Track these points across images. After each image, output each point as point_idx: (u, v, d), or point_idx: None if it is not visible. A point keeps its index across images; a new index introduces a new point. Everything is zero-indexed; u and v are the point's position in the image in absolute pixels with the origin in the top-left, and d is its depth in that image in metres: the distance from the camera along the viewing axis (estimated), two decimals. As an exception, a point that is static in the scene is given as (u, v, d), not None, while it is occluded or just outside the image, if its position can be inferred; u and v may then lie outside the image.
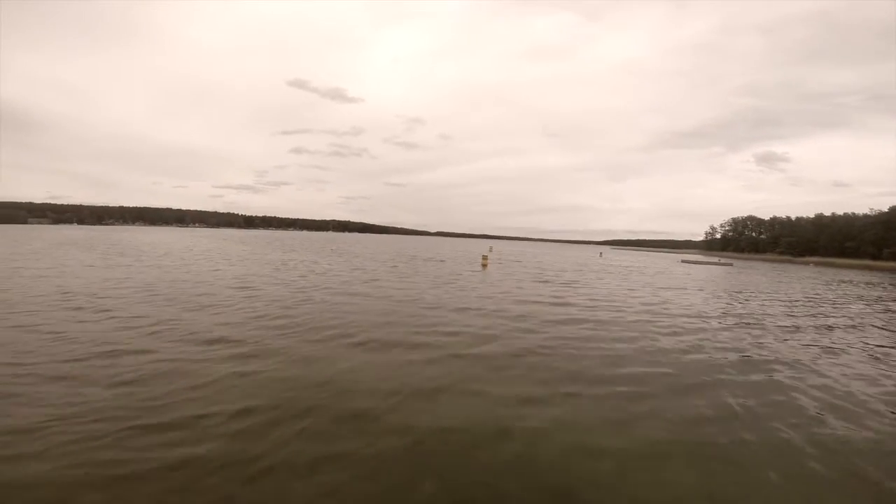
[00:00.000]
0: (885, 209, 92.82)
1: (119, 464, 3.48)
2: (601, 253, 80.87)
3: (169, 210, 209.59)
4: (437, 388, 5.33)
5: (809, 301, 17.26)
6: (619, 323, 10.16)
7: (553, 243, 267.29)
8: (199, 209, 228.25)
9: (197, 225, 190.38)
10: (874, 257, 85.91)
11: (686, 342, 8.49)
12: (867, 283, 31.35)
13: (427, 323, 9.11)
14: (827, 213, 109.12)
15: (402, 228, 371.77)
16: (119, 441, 3.81)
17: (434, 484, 3.42)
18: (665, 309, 12.70)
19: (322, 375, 5.59)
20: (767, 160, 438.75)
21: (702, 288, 20.59)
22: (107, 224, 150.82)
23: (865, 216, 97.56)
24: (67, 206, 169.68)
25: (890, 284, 32.16)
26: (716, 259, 69.76)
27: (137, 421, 4.17)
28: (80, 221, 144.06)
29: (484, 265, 27.77)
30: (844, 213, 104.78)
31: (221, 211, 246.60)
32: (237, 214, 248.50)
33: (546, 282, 19.31)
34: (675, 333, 9.30)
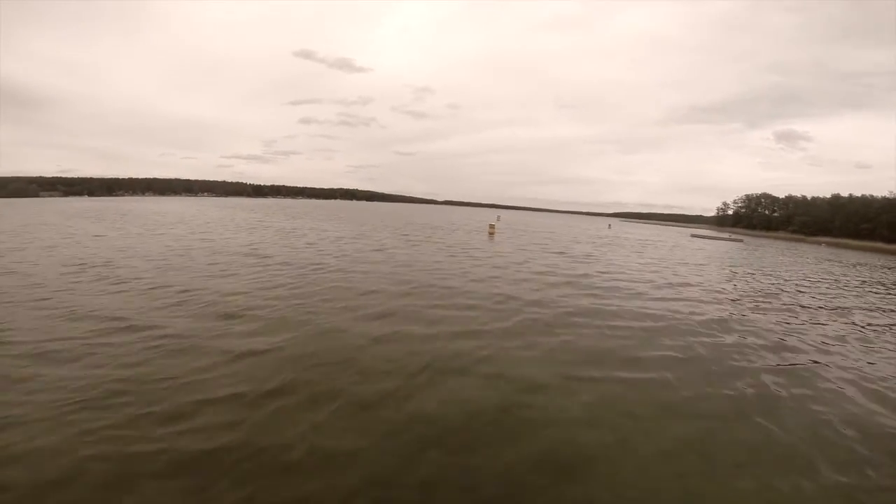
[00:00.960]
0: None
1: (133, 458, 3.31)
2: (609, 225, 79.95)
3: (178, 180, 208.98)
4: (462, 368, 5.11)
5: (831, 282, 16.85)
6: (641, 299, 9.86)
7: (562, 214, 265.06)
8: (209, 179, 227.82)
9: (205, 194, 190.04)
10: (887, 240, 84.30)
11: (712, 324, 8.21)
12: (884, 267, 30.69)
13: (443, 294, 8.87)
14: (844, 194, 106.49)
15: (409, 197, 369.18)
16: (131, 426, 3.63)
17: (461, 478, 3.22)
18: (686, 286, 12.37)
19: (343, 353, 5.38)
20: (788, 138, 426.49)
21: (722, 265, 20.13)
22: (117, 195, 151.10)
23: (884, 198, 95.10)
24: (78, 178, 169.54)
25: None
26: (726, 235, 68.79)
27: (151, 408, 3.95)
28: (91, 193, 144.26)
29: (491, 233, 27.98)
30: (862, 195, 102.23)
31: (230, 180, 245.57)
32: (245, 184, 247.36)
33: (561, 253, 18.97)
34: (698, 313, 9.00)
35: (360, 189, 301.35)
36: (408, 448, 3.51)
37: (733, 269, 18.82)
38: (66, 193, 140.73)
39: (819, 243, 79.76)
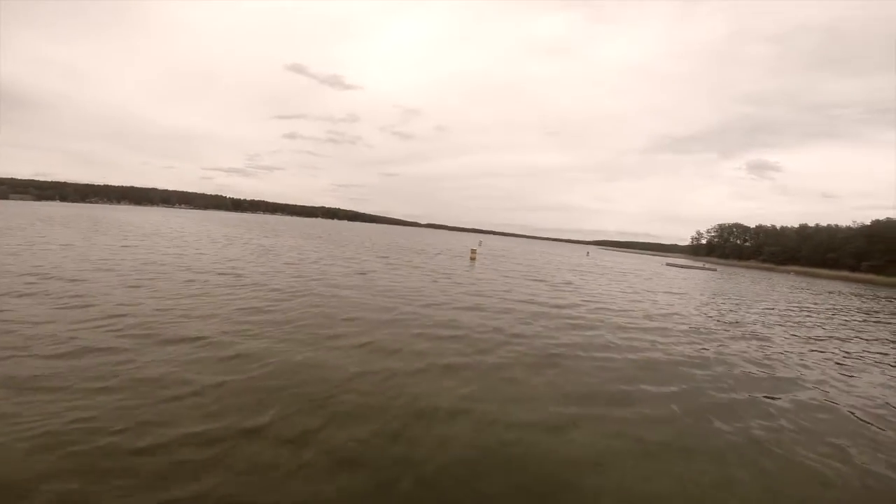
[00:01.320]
0: (869, 222, 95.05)
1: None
2: (588, 252, 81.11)
3: (154, 190, 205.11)
4: (450, 411, 4.69)
5: (804, 310, 17.16)
6: (627, 330, 9.67)
7: (543, 241, 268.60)
8: (188, 190, 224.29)
9: (182, 206, 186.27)
10: (852, 269, 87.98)
11: (697, 354, 8.04)
12: (855, 294, 31.71)
13: (425, 324, 8.46)
14: (811, 223, 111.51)
15: (391, 218, 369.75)
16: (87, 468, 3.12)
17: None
18: (669, 316, 12.30)
19: (318, 389, 4.93)
20: (759, 168, 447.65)
21: (703, 295, 20.35)
22: (90, 202, 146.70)
23: (848, 228, 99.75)
24: (50, 182, 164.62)
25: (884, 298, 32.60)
26: (700, 264, 70.55)
27: (109, 439, 3.48)
28: (63, 199, 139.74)
29: (472, 258, 28.22)
30: (828, 225, 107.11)
31: (209, 193, 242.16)
32: (225, 197, 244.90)
33: (543, 281, 18.85)
34: (683, 345, 8.84)
35: (342, 208, 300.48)
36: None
37: (715, 300, 19.02)
38: (39, 198, 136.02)
39: (788, 272, 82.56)
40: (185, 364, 5.28)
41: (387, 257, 23.59)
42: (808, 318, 15.32)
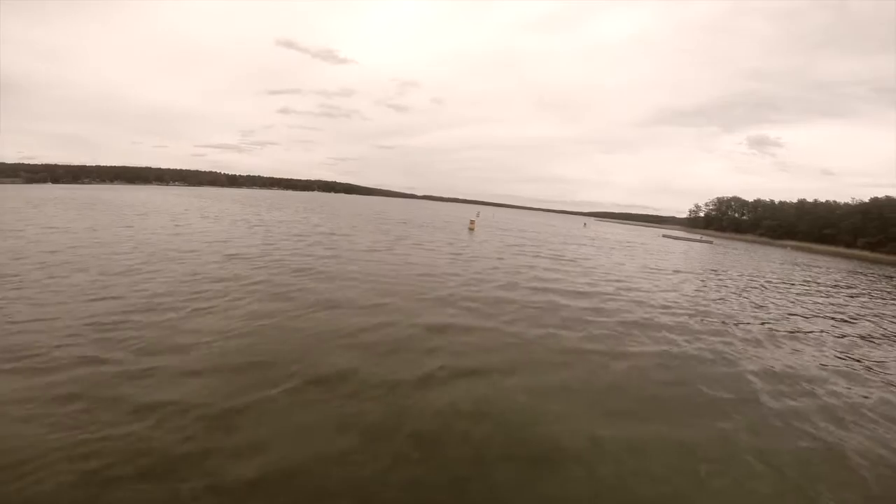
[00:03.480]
0: (867, 199, 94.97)
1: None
2: (585, 223, 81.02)
3: (148, 169, 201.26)
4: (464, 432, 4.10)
5: (823, 291, 17.41)
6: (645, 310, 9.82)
7: (541, 212, 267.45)
8: (180, 168, 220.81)
9: (177, 183, 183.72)
10: (848, 245, 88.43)
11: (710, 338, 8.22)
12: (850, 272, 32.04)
13: (432, 313, 7.82)
14: (810, 199, 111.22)
15: (388, 191, 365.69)
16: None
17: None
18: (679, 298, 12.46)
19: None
20: (760, 143, 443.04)
21: (715, 270, 20.47)
22: (83, 183, 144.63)
23: (846, 205, 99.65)
24: (41, 165, 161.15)
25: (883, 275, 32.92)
26: (697, 236, 70.66)
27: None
28: (55, 181, 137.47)
29: (471, 229, 28.51)
30: (826, 201, 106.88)
31: (203, 170, 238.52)
32: (220, 173, 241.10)
33: (557, 257, 18.91)
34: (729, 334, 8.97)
35: (338, 181, 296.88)
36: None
37: (730, 277, 19.18)
38: (29, 181, 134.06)
39: (785, 246, 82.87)
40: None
41: (388, 230, 23.53)
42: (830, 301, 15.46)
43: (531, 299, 9.25)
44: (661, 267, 18.51)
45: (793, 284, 17.41)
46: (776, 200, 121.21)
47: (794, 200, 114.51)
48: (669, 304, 10.31)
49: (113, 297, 6.92)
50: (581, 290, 10.98)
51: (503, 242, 22.36)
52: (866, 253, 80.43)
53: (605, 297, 10.33)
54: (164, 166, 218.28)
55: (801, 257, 46.28)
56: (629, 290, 11.63)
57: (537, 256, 17.45)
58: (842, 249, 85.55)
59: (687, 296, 11.75)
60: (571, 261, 17.13)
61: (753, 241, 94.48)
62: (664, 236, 57.94)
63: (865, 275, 28.79)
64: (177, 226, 17.91)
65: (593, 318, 8.15)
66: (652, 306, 9.75)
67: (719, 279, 16.47)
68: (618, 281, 13.01)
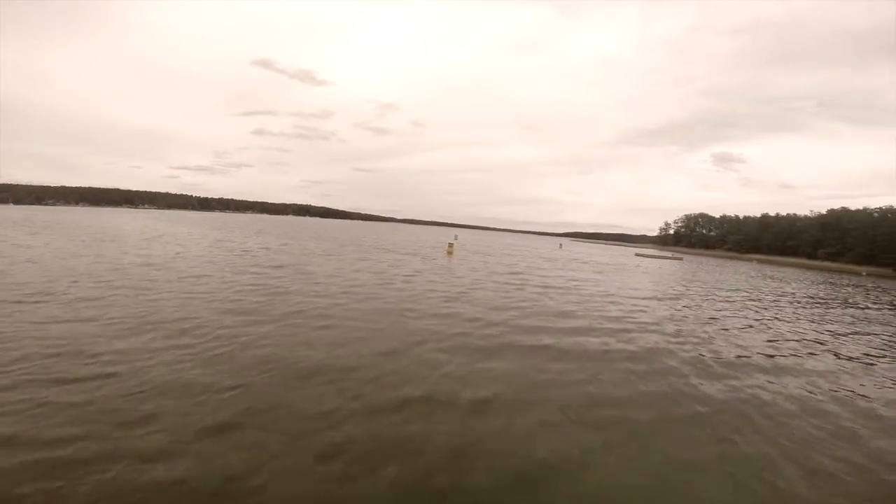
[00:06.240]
0: (824, 211, 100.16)
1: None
2: (560, 244, 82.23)
3: (116, 191, 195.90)
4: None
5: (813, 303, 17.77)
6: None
7: (518, 234, 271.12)
8: (151, 190, 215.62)
9: (147, 206, 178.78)
10: (810, 256, 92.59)
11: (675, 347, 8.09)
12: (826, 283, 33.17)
13: (409, 340, 8.18)
14: (772, 213, 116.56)
15: (367, 214, 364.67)
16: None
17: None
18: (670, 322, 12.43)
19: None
20: (723, 160, 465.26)
21: (685, 285, 20.76)
22: (46, 205, 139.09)
23: (806, 217, 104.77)
24: (2, 185, 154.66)
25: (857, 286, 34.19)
26: (668, 254, 72.53)
27: None
28: (17, 202, 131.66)
29: (449, 252, 28.36)
30: (787, 214, 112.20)
31: (175, 192, 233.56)
32: (191, 196, 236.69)
33: (542, 284, 18.78)
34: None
35: (314, 205, 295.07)
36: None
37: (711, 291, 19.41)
38: None
39: (751, 260, 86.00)
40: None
41: (366, 258, 23.03)
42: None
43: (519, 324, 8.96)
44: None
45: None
46: (741, 215, 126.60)
47: (758, 215, 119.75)
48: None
49: None
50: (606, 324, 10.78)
51: (488, 269, 22.15)
52: (828, 263, 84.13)
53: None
54: (138, 188, 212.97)
55: (769, 270, 47.90)
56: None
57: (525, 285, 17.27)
58: (804, 261, 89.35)
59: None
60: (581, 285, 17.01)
61: (722, 256, 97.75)
62: (637, 255, 59.15)
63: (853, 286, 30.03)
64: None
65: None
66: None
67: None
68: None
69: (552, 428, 4.64)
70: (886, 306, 20.31)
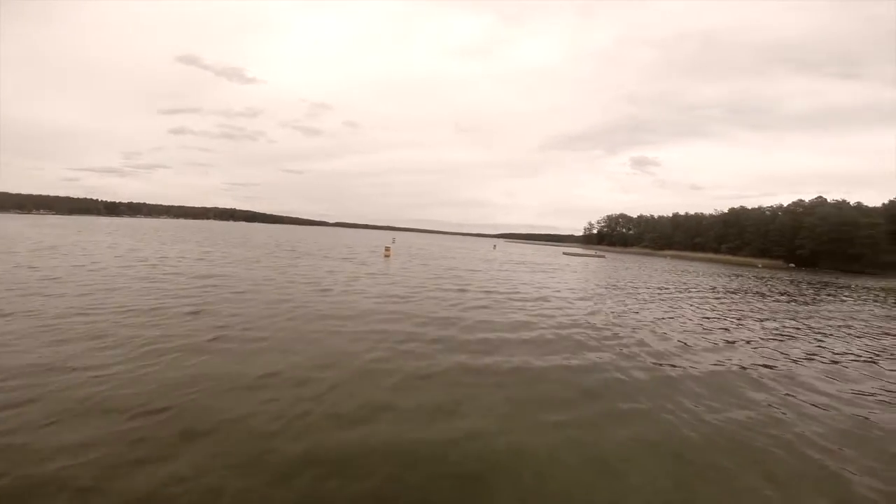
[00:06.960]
0: (726, 210, 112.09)
1: None
2: (495, 245, 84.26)
3: (5, 195, 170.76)
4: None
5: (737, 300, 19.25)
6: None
7: (454, 235, 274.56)
8: (48, 194, 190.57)
9: (42, 212, 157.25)
10: (715, 251, 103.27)
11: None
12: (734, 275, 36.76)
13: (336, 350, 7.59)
14: (682, 212, 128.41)
15: (296, 218, 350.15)
16: None
17: None
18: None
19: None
20: (641, 164, 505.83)
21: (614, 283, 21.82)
22: None
23: (710, 216, 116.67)
24: None
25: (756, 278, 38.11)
26: (592, 252, 76.97)
27: None
28: None
29: (387, 255, 28.05)
30: (695, 213, 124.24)
31: (77, 196, 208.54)
32: (96, 200, 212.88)
33: (461, 281, 18.72)
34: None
35: (239, 209, 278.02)
36: None
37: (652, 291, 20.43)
38: None
39: (665, 256, 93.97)
40: None
41: (296, 263, 21.74)
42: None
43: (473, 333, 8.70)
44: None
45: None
46: (656, 215, 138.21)
47: (671, 214, 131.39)
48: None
49: None
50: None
51: (430, 272, 21.81)
52: (729, 256, 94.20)
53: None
54: (34, 191, 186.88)
55: (681, 264, 52.53)
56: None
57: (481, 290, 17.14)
58: (710, 255, 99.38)
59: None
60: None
61: (640, 253, 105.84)
62: (564, 253, 61.94)
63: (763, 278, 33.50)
64: None
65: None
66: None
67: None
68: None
69: (501, 428, 4.58)
70: (777, 293, 22.87)
